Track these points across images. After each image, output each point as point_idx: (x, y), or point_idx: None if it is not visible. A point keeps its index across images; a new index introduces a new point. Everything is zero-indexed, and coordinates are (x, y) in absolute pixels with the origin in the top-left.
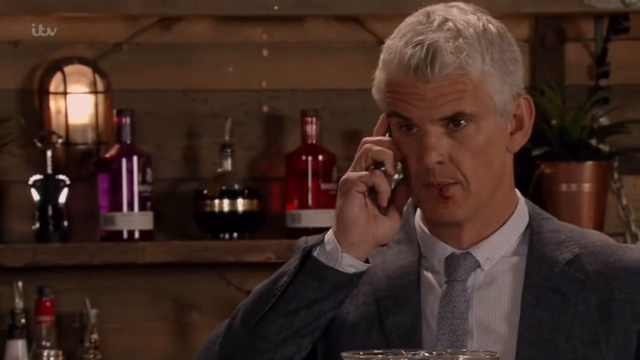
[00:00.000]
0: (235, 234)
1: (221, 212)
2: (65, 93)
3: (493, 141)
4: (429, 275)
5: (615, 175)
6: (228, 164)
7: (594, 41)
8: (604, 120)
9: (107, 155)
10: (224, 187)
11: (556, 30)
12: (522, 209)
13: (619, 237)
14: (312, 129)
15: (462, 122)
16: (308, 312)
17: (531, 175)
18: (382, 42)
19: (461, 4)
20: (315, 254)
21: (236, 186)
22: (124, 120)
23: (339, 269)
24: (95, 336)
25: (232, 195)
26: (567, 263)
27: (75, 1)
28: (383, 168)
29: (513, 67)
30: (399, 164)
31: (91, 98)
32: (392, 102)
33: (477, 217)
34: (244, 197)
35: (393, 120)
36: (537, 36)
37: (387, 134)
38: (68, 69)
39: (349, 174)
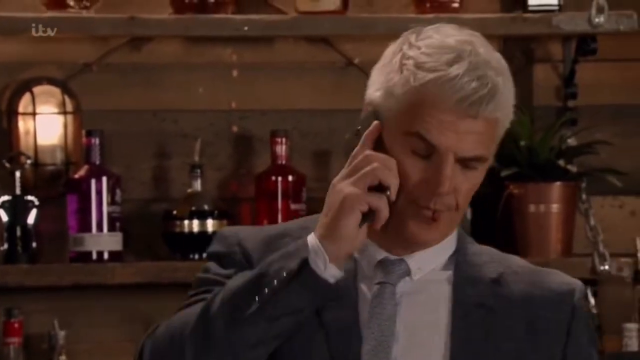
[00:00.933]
0: (205, 255)
1: (191, 233)
2: (34, 113)
3: (481, 180)
4: (362, 280)
5: (584, 196)
6: (198, 185)
7: (562, 62)
8: (572, 141)
9: (76, 176)
10: (193, 208)
11: (524, 51)
12: (455, 233)
13: (587, 258)
14: (281, 149)
15: (477, 164)
16: (290, 318)
17: (500, 196)
18: (351, 63)
19: (476, 33)
20: (312, 265)
21: (206, 207)
22: (93, 140)
23: (327, 279)
24: (64, 357)
25: (202, 216)
26: (493, 281)
27: (44, 21)
28: (388, 193)
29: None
30: None
31: (60, 118)
32: (421, 124)
33: None
34: (213, 218)
35: (409, 139)
36: (505, 57)
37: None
38: (37, 89)
39: (354, 191)
